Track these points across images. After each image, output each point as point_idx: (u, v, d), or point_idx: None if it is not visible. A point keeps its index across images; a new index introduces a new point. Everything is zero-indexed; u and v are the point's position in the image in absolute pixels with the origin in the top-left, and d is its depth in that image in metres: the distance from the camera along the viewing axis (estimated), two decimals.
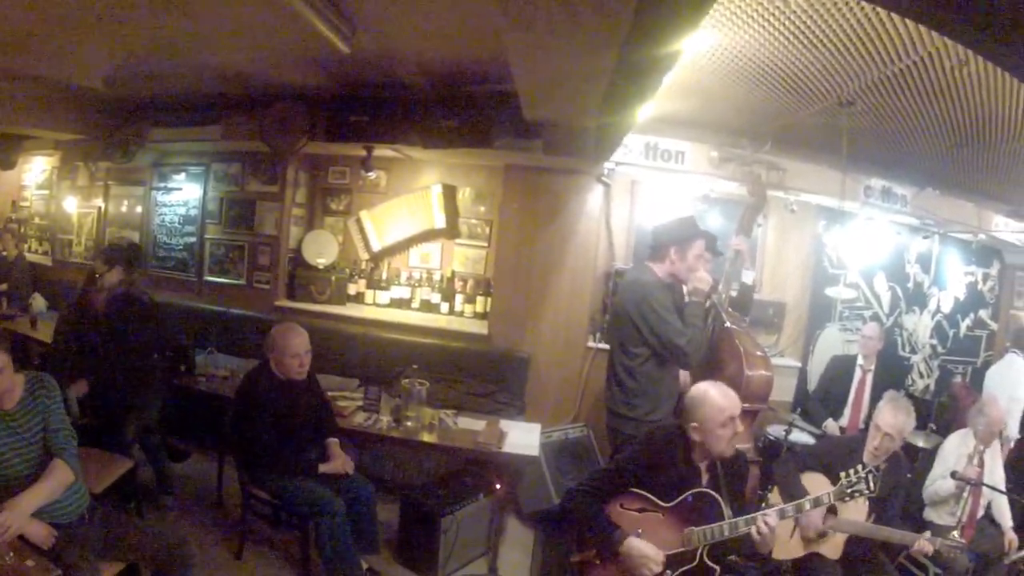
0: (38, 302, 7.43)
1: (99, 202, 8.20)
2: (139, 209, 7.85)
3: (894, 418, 4.06)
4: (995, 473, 4.88)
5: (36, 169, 9.18)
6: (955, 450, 4.89)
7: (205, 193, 7.36)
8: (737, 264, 4.87)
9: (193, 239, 7.40)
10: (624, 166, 6.25)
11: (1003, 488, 4.83)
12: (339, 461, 4.43)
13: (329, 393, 4.95)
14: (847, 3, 3.20)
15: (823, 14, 3.32)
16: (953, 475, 4.50)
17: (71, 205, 8.50)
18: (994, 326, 8.28)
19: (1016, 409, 5.98)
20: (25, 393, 3.29)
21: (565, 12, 2.69)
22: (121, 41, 4.95)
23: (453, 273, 6.93)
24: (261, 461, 4.25)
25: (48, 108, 6.82)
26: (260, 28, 4.44)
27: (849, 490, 3.29)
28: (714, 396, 3.39)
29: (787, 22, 3.49)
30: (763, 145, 5.94)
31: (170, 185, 7.61)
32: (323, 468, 4.34)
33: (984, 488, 4.68)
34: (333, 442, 4.54)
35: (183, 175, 7.54)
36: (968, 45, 3.19)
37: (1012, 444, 6.05)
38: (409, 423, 4.80)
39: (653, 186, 6.56)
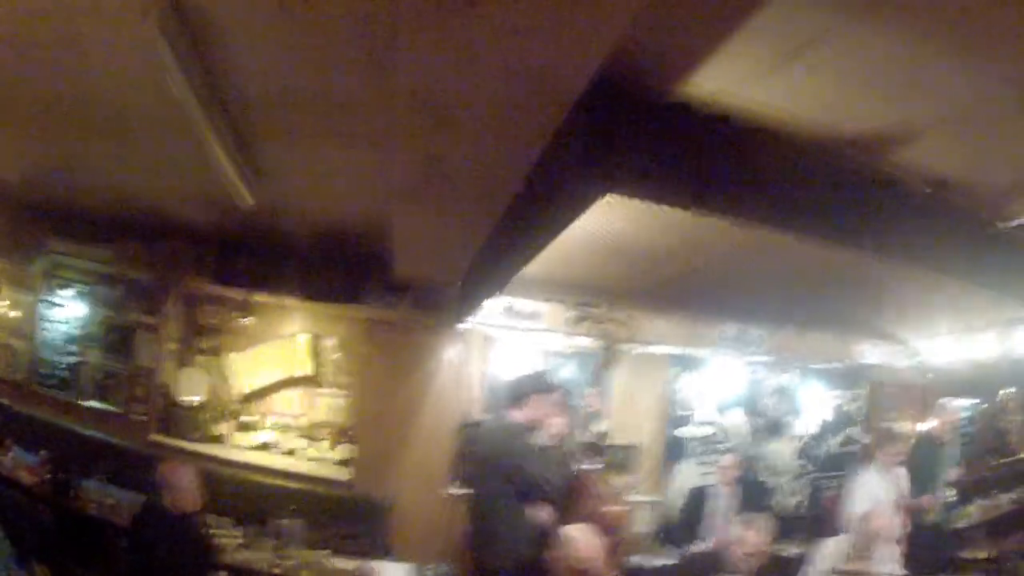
0: None
1: None
2: (25, 317, 7.68)
3: (757, 537, 4.50)
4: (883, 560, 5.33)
5: None
6: (832, 550, 5.34)
7: (89, 314, 7.38)
8: (591, 413, 5.39)
9: (75, 360, 7.36)
10: (482, 324, 6.66)
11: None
12: None
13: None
14: None
15: None
16: (833, 571, 4.98)
17: None
18: (866, 439, 8.73)
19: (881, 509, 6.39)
20: None
21: (450, 190, 3.20)
22: (39, 139, 5.21)
23: (316, 421, 7.15)
24: None
25: None
26: (172, 160, 4.87)
27: None
28: (579, 544, 3.81)
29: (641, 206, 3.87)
30: (616, 303, 6.42)
31: (56, 299, 7.53)
32: None
33: None
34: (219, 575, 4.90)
35: (71, 291, 7.49)
36: None
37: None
38: (290, 562, 5.23)
39: (509, 342, 7.02)
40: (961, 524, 7.37)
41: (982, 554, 6.92)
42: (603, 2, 1.82)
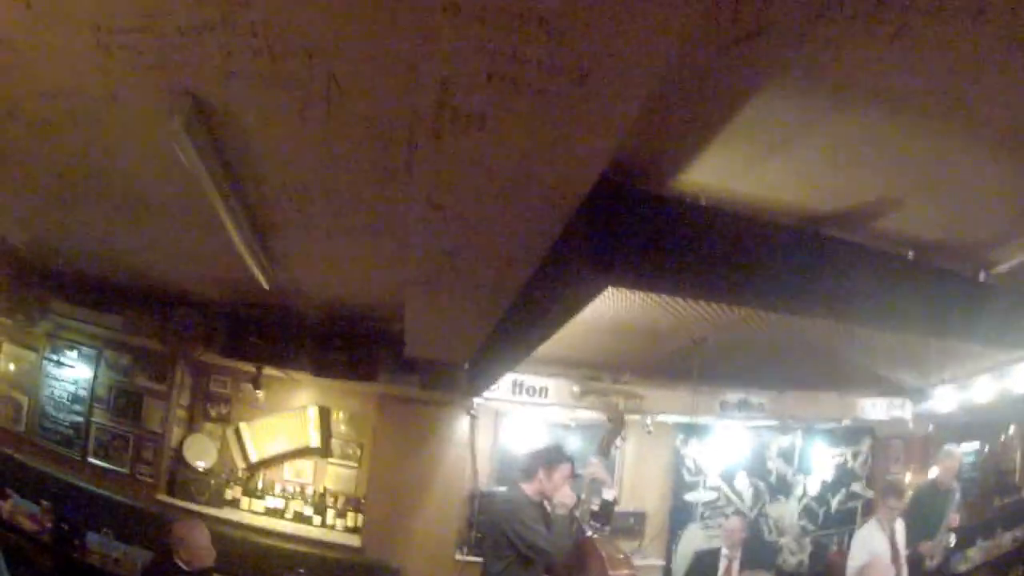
0: None
1: None
2: (29, 374, 8.03)
3: None
4: None
5: None
6: None
7: (95, 377, 7.65)
8: (596, 482, 5.69)
9: (80, 419, 7.63)
10: (491, 400, 7.03)
11: None
12: None
13: None
14: None
15: None
16: None
17: None
18: (869, 494, 8.86)
19: (881, 563, 6.56)
20: None
21: (462, 281, 3.51)
22: (50, 208, 5.35)
23: (325, 489, 7.45)
24: None
25: None
26: (186, 239, 5.09)
27: None
28: None
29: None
30: (621, 376, 6.72)
31: (62, 359, 7.85)
32: None
33: None
34: None
35: (76, 353, 7.79)
36: None
37: None
38: None
39: (517, 416, 7.42)
40: (963, 568, 7.55)
41: None
42: (601, 118, 2.06)
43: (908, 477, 8.54)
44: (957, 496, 7.37)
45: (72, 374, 7.83)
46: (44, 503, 6.65)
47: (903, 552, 6.85)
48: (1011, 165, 3.11)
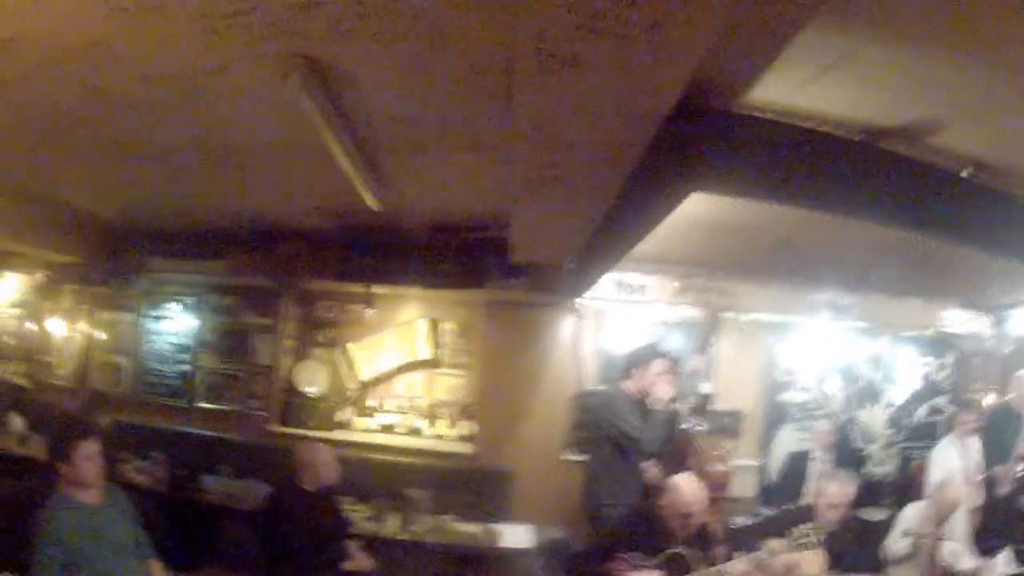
0: (15, 422, 8.01)
1: (83, 326, 8.90)
2: (127, 335, 8.72)
3: (842, 489, 5.40)
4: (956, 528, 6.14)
5: (6, 287, 9.45)
6: (911, 515, 6.11)
7: (200, 323, 8.40)
8: (695, 378, 6.31)
9: (186, 367, 8.38)
10: (594, 300, 7.56)
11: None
12: (361, 558, 5.57)
13: None
14: None
15: None
16: (905, 532, 5.80)
17: (55, 327, 9.01)
18: (952, 409, 9.09)
19: (955, 479, 6.85)
20: (107, 494, 4.28)
21: (563, 190, 4.19)
22: (149, 178, 6.06)
23: (436, 401, 8.03)
24: (297, 564, 5.14)
25: (44, 228, 7.50)
26: (294, 179, 5.80)
27: (799, 541, 4.71)
28: (684, 490, 4.84)
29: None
30: (716, 274, 7.30)
31: (162, 314, 8.58)
32: (349, 566, 5.44)
33: (946, 547, 5.85)
34: (352, 543, 5.67)
35: (176, 304, 8.52)
36: None
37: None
38: (416, 527, 6.24)
39: (618, 315, 7.87)
40: None
41: None
42: (671, 59, 2.61)
43: (990, 399, 8.77)
44: None
45: (174, 326, 8.59)
46: (155, 454, 7.33)
47: (975, 471, 7.31)
48: None
